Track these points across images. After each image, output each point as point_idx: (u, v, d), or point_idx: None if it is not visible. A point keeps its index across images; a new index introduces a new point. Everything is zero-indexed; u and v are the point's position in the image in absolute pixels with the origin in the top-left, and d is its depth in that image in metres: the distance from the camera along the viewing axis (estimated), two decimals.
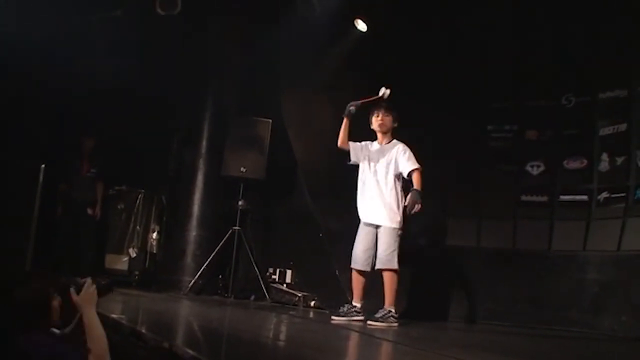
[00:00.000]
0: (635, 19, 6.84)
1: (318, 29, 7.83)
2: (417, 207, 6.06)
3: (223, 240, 8.28)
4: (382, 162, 6.35)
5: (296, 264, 8.39)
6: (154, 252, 9.19)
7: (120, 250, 9.15)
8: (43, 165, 7.46)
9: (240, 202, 8.46)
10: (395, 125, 6.47)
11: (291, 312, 7.21)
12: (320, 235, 8.05)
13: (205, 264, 8.21)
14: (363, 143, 6.48)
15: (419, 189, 6.13)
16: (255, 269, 8.32)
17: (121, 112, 8.67)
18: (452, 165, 8.15)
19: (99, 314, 3.15)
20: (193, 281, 8.23)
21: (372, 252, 6.27)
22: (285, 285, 8.24)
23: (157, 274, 8.93)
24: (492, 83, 8.08)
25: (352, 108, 6.31)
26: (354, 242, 6.40)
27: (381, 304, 6.14)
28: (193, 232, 8.56)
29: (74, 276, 3.18)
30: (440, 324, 7.07)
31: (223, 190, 8.69)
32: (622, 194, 7.28)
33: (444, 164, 7.99)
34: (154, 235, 9.21)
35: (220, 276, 8.49)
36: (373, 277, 6.33)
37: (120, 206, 9.28)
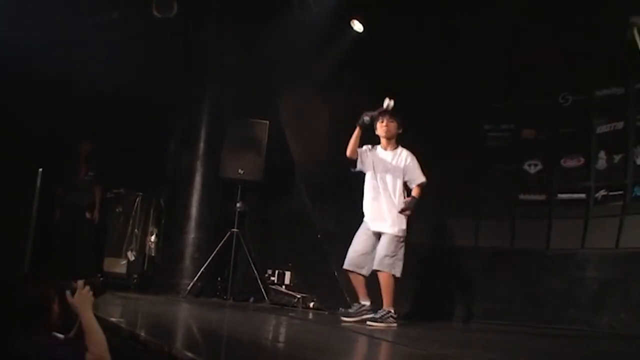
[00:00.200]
0: (631, 15, 6.83)
1: (315, 30, 7.82)
2: (408, 213, 6.16)
3: (221, 243, 8.27)
4: (390, 170, 6.32)
5: (295, 265, 8.38)
6: (153, 255, 9.18)
7: (118, 254, 9.13)
8: (41, 169, 7.45)
9: (238, 204, 8.46)
10: (400, 131, 6.42)
11: (290, 314, 7.21)
12: (319, 236, 8.06)
13: (203, 266, 8.20)
14: (366, 148, 6.42)
15: (417, 198, 6.20)
16: (254, 270, 8.31)
17: (118, 115, 8.65)
18: (449, 164, 8.15)
19: (97, 317, 3.15)
20: (192, 284, 8.22)
21: (369, 257, 6.24)
22: (284, 286, 8.23)
23: (156, 276, 8.92)
24: (489, 82, 8.09)
25: (366, 118, 6.18)
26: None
27: (380, 305, 6.13)
28: (191, 235, 8.54)
29: (72, 280, 3.17)
30: (439, 323, 7.07)
31: (221, 192, 8.69)
32: (620, 192, 7.30)
33: (441, 164, 7.98)
34: (152, 238, 9.20)
35: (219, 278, 8.49)
36: (373, 278, 6.31)
37: (118, 209, 9.28)
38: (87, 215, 8.66)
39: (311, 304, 7.79)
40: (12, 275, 3.10)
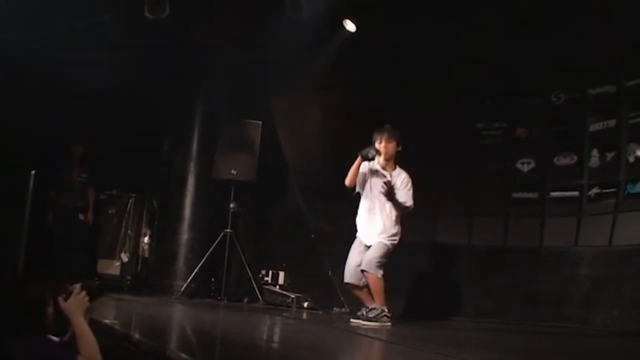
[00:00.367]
0: (623, 15, 6.86)
1: (307, 30, 7.82)
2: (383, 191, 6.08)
3: (215, 243, 8.26)
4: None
5: (289, 265, 8.38)
6: (146, 256, 9.16)
7: (112, 255, 9.11)
8: (33, 172, 7.43)
9: (231, 205, 8.46)
10: (399, 149, 6.30)
11: (284, 314, 7.21)
12: (312, 236, 8.05)
13: (197, 267, 8.19)
14: (364, 171, 6.29)
15: (394, 198, 6.11)
16: (248, 271, 8.31)
17: (111, 116, 8.62)
18: (443, 163, 8.17)
19: (91, 319, 3.14)
20: (185, 284, 8.21)
21: None
22: (278, 286, 8.23)
23: (149, 278, 8.90)
24: (482, 81, 8.10)
25: (372, 153, 6.06)
26: (348, 247, 6.35)
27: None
28: (185, 236, 8.54)
29: (66, 282, 3.16)
30: (433, 322, 7.07)
31: (214, 193, 8.68)
32: (613, 190, 7.32)
33: (434, 163, 8.01)
34: (146, 239, 9.18)
35: (212, 279, 8.48)
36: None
37: (112, 211, 9.25)
38: (81, 217, 8.64)
39: (305, 304, 7.79)
40: (6, 278, 3.08)
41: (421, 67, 8.09)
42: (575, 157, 7.78)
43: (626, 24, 6.88)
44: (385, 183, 6.07)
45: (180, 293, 8.18)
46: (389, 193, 6.07)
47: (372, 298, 6.15)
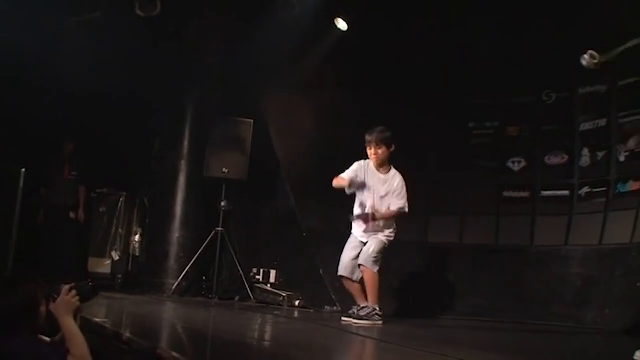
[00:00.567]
0: (613, 14, 6.88)
1: (299, 29, 7.82)
2: (374, 223, 6.14)
3: (206, 242, 8.25)
4: (381, 193, 6.23)
5: (280, 264, 8.38)
6: (137, 254, 9.13)
7: (102, 254, 9.10)
8: (23, 170, 7.40)
9: (223, 203, 8.44)
10: (392, 150, 6.27)
11: (276, 312, 7.20)
12: (304, 234, 8.05)
13: (188, 266, 8.17)
14: (358, 172, 6.28)
15: (387, 216, 6.16)
16: (239, 269, 8.30)
17: (102, 114, 8.58)
18: (434, 162, 8.18)
19: (82, 318, 3.13)
20: (177, 283, 8.19)
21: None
22: (269, 285, 8.22)
23: (141, 276, 8.87)
24: (473, 80, 8.10)
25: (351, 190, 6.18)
26: (340, 246, 6.37)
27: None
28: (176, 234, 8.51)
29: (57, 281, 3.14)
30: (424, 321, 7.08)
31: (205, 191, 8.66)
32: (603, 189, 7.35)
33: (426, 162, 8.03)
34: (137, 237, 9.15)
35: (204, 278, 8.46)
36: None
37: (102, 209, 9.24)
38: (71, 215, 8.61)
39: (297, 303, 7.78)
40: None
41: (412, 67, 8.10)
42: (566, 157, 7.80)
43: (616, 23, 6.89)
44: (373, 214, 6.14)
45: (172, 291, 8.16)
46: (375, 218, 6.13)
47: (365, 296, 6.17)
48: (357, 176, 6.25)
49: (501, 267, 7.73)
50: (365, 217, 6.17)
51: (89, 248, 9.08)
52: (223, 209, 8.42)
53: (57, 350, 2.91)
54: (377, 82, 8.07)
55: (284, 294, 7.86)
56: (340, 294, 7.12)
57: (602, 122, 7.52)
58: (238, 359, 3.98)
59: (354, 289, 6.28)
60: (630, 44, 4.05)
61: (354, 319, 6.08)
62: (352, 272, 6.23)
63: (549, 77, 7.86)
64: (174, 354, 3.39)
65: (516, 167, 8.15)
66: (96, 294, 3.23)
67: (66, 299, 3.00)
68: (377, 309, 6.05)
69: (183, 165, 8.64)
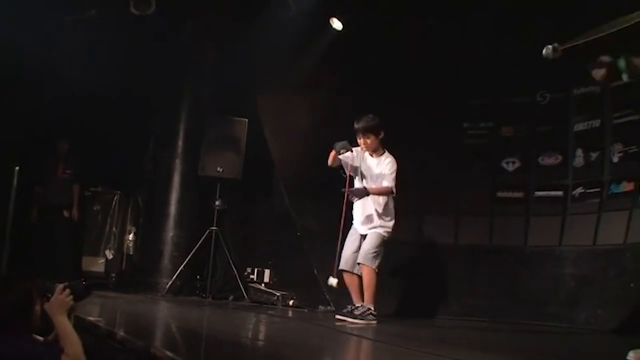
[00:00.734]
0: (607, 15, 6.89)
1: (294, 28, 7.82)
2: (354, 198, 6.23)
3: (200, 241, 8.24)
4: (375, 177, 6.32)
5: (274, 263, 8.38)
6: (131, 253, 9.12)
7: (96, 252, 9.08)
8: (17, 168, 7.38)
9: (217, 202, 8.44)
10: (381, 137, 6.34)
11: (270, 312, 7.20)
12: (298, 234, 8.05)
13: (182, 265, 8.18)
14: (355, 155, 6.34)
15: (370, 192, 6.21)
16: (233, 269, 8.31)
17: (96, 113, 8.57)
18: (428, 162, 8.18)
19: (76, 317, 3.12)
20: (171, 282, 8.18)
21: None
22: (263, 284, 8.22)
23: (134, 275, 8.87)
24: (468, 81, 8.11)
25: (343, 150, 6.16)
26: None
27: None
28: (170, 233, 8.51)
29: (51, 280, 3.13)
30: (419, 321, 7.08)
31: (200, 190, 8.66)
32: (597, 189, 7.36)
33: (420, 162, 8.02)
34: (131, 236, 9.14)
35: (198, 277, 8.46)
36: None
37: (96, 207, 9.21)
38: (65, 214, 8.60)
39: (291, 302, 7.78)
40: None
41: (407, 67, 8.10)
42: (560, 157, 7.81)
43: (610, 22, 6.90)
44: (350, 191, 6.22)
45: (166, 291, 8.16)
46: (352, 193, 6.20)
47: (361, 294, 6.18)
48: (353, 158, 6.32)
49: (495, 267, 7.73)
50: (358, 192, 6.23)
51: (82, 247, 9.05)
52: (217, 208, 8.42)
53: (50, 350, 2.91)
54: (372, 82, 8.07)
55: (278, 294, 7.85)
56: (334, 294, 7.12)
57: (596, 123, 7.53)
58: (232, 358, 3.97)
59: (353, 284, 6.29)
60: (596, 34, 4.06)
61: (349, 317, 6.09)
62: (353, 266, 6.26)
63: (543, 78, 7.85)
64: (168, 353, 3.39)
65: (510, 168, 8.17)
66: (90, 293, 3.22)
67: (60, 298, 2.99)
68: (372, 308, 6.06)
69: (177, 164, 8.64)
